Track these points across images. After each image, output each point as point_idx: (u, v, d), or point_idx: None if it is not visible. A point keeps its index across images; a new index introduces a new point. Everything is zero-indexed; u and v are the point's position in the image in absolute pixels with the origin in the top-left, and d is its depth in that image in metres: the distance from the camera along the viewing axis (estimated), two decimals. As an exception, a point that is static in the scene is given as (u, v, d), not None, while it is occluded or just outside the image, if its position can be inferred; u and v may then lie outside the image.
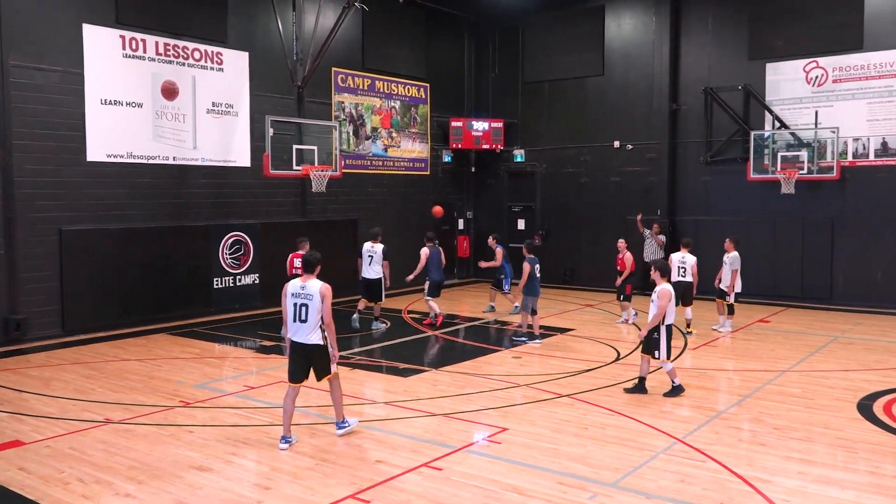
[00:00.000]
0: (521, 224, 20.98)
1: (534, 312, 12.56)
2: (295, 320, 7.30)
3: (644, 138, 18.92)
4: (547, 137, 20.50)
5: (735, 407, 8.91)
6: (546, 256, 19.74)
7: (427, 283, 14.03)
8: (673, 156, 18.58)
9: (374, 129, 18.85)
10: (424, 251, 13.87)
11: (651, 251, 17.64)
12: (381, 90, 19.04)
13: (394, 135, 19.36)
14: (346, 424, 7.69)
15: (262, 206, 16.24)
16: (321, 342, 7.35)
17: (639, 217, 17.39)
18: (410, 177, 19.87)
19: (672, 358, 9.45)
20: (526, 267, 12.26)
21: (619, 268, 14.14)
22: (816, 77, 16.82)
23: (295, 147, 15.01)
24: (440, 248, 14.22)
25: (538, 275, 12.50)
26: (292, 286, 7.39)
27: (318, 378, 7.53)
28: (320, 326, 7.31)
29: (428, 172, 20.41)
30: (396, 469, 6.87)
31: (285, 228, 16.21)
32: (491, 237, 15.24)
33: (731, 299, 13.49)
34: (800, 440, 7.73)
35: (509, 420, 8.35)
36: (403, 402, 9.03)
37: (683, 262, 13.06)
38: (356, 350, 11.94)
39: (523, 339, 12.54)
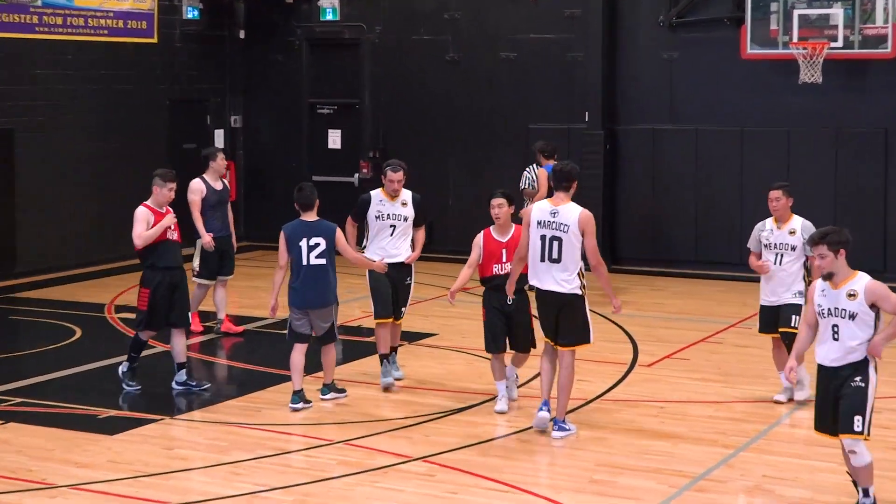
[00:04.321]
0: (334, 140, 20.99)
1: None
2: (543, 259, 9.96)
3: (560, -18, 19.19)
4: (382, -23, 20.46)
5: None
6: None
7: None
8: (611, 15, 18.89)
9: (49, -45, 18.26)
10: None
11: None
12: None
13: (86, -33, 18.80)
14: (568, 429, 10.05)
15: None
16: (579, 291, 9.94)
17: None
18: (120, 47, 19.57)
19: None
20: (281, 242, 11.02)
21: None
22: None
23: None
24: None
25: (306, 260, 10.84)
26: (540, 212, 10.08)
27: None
28: (578, 272, 9.94)
29: (155, 39, 20.18)
30: None
31: None
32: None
33: None
34: None
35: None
36: (104, 482, 8.94)
37: None
38: (15, 386, 11.88)
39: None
